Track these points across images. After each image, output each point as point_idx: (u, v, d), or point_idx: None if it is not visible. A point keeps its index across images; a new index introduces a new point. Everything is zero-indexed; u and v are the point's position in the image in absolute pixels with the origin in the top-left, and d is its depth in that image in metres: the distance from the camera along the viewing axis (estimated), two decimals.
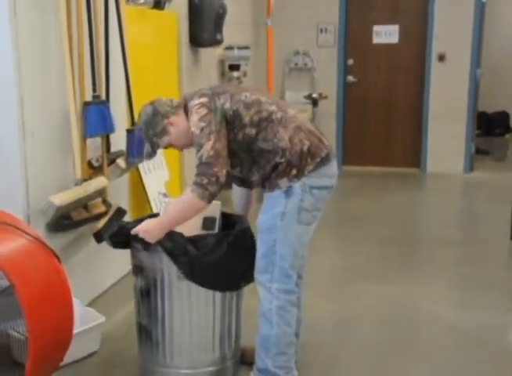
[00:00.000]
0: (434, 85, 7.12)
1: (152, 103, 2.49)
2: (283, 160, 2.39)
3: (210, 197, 2.32)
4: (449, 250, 4.60)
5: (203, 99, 2.39)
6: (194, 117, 2.36)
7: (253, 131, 2.39)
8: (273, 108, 2.43)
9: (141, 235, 2.45)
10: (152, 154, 2.53)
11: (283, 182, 2.41)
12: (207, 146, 2.30)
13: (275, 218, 2.42)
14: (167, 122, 2.44)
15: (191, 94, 2.52)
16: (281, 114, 2.43)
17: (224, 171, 2.32)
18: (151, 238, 2.44)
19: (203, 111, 2.36)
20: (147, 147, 2.51)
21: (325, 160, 2.44)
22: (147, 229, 2.45)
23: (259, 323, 2.55)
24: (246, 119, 2.38)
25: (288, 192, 2.41)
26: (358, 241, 4.76)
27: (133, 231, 2.47)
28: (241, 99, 2.41)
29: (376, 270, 4.15)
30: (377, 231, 5.05)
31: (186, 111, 2.46)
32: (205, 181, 2.28)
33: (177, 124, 2.45)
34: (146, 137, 2.48)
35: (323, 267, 4.15)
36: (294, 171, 2.39)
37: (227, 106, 2.39)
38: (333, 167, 2.49)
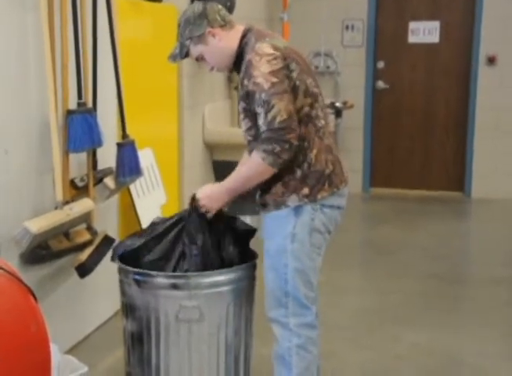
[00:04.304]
0: (481, 93, 7.14)
1: (204, 3, 2.55)
2: (298, 171, 2.45)
3: (282, 164, 2.38)
4: (500, 290, 4.56)
5: (278, 53, 2.41)
6: (265, 68, 2.37)
7: None
8: (320, 113, 2.51)
9: (202, 202, 2.53)
10: (176, 57, 2.61)
11: (292, 200, 2.46)
12: (280, 106, 2.33)
13: (285, 240, 2.47)
14: (208, 31, 2.51)
15: (259, 30, 2.54)
16: (323, 124, 2.51)
17: (297, 135, 2.36)
18: (212, 206, 2.53)
19: (278, 64, 2.38)
20: (176, 47, 2.59)
21: (340, 191, 2.53)
22: (208, 194, 2.54)
23: (275, 367, 2.56)
24: (298, 103, 2.43)
25: (297, 210, 2.46)
26: (390, 278, 4.74)
27: (197, 196, 2.56)
28: (306, 82, 2.46)
29: (412, 313, 4.12)
30: (413, 266, 5.02)
31: (242, 40, 2.51)
32: (277, 149, 2.33)
33: (219, 38, 2.52)
34: (181, 36, 2.56)
35: (348, 309, 4.14)
36: (306, 191, 2.45)
37: (294, 75, 2.43)
38: (345, 189, 2.58)
